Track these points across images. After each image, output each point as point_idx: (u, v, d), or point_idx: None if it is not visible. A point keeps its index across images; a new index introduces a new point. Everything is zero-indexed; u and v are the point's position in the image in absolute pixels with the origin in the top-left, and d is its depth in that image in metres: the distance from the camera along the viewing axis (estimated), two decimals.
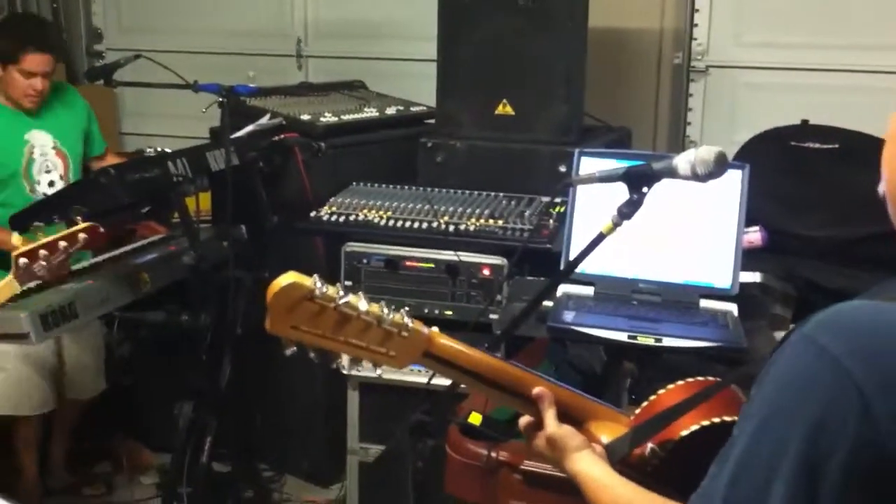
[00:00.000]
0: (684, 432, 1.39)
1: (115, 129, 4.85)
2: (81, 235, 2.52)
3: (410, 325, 1.32)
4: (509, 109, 3.31)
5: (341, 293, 1.25)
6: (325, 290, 1.23)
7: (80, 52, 5.01)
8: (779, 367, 1.02)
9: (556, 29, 3.24)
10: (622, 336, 2.05)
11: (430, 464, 2.06)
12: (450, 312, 2.91)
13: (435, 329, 1.38)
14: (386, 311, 1.30)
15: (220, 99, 3.20)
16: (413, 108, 3.87)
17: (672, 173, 1.58)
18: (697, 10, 3.85)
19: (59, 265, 2.50)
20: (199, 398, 3.05)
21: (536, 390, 1.43)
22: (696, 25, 3.87)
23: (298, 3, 4.62)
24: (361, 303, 1.27)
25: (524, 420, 1.48)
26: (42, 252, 2.43)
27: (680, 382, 1.48)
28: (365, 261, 3.01)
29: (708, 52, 3.89)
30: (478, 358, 1.41)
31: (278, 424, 3.69)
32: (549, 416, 1.42)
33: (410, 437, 2.02)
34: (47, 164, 3.41)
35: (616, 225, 1.62)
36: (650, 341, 2.03)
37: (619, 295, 2.26)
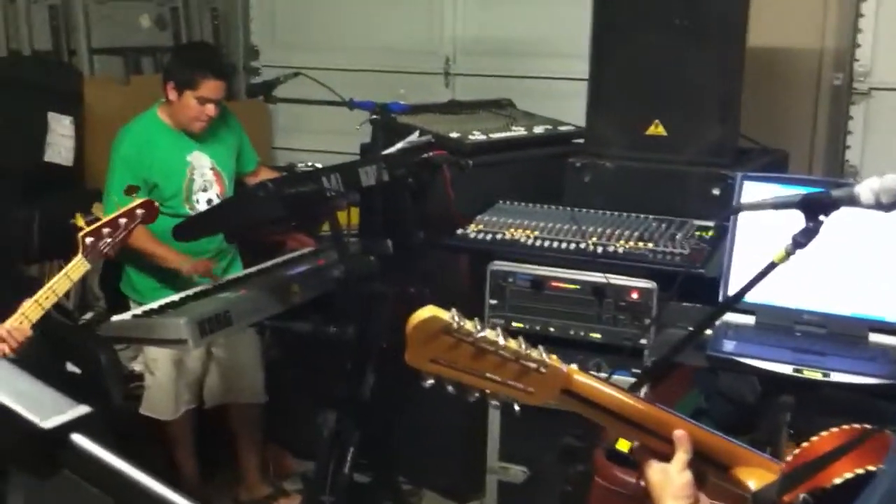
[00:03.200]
0: (837, 480, 1.32)
1: (268, 144, 5.00)
2: (139, 211, 2.69)
3: (548, 361, 1.30)
4: (661, 130, 3.25)
5: (479, 327, 1.26)
6: (462, 324, 1.25)
7: (238, 69, 5.20)
8: None
9: (712, 48, 3.16)
10: (787, 369, 1.97)
11: (577, 489, 2.02)
12: (596, 335, 2.86)
13: (573, 366, 1.36)
14: (524, 346, 1.29)
15: (374, 116, 3.27)
16: (561, 128, 3.85)
17: (853, 201, 1.51)
18: (861, 31, 3.70)
19: (122, 240, 2.67)
20: (343, 408, 3.10)
21: (678, 433, 1.39)
22: (860, 46, 3.72)
23: (448, 21, 4.67)
24: (499, 338, 1.27)
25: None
26: (105, 230, 2.62)
27: (834, 430, 1.41)
28: (510, 280, 3.00)
29: (871, 74, 3.73)
30: (617, 397, 1.38)
31: (418, 438, 3.71)
32: (680, 458, 1.38)
33: (559, 460, 1.99)
34: (205, 183, 3.52)
35: (789, 254, 1.56)
36: (817, 375, 1.94)
37: (781, 325, 2.18)
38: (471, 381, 1.28)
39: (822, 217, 1.51)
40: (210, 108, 3.40)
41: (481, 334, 1.25)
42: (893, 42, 3.66)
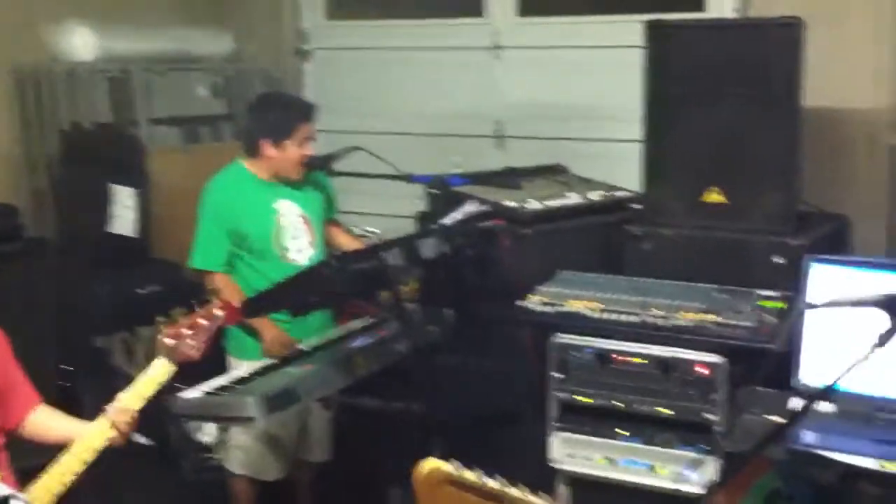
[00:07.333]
0: None
1: None
2: (218, 312, 2.64)
3: None
4: (719, 197, 3.24)
5: (483, 478, 1.34)
6: (463, 473, 1.33)
7: None
8: None
9: (769, 113, 3.15)
10: (870, 462, 1.95)
11: None
12: (664, 410, 2.84)
13: None
14: (531, 497, 1.34)
15: (432, 189, 3.31)
16: (617, 193, 3.84)
17: None
18: None
19: (204, 341, 2.61)
20: (410, 484, 3.10)
21: None
22: None
23: (501, 84, 4.72)
24: (501, 486, 1.33)
25: None
26: (185, 331, 2.56)
27: None
28: (574, 353, 2.98)
29: None
30: None
31: None
32: None
33: None
34: (295, 231, 3.49)
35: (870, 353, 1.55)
36: None
37: (862, 412, 2.15)
38: None
39: None
40: (308, 149, 3.42)
41: (485, 483, 1.33)
42: None
